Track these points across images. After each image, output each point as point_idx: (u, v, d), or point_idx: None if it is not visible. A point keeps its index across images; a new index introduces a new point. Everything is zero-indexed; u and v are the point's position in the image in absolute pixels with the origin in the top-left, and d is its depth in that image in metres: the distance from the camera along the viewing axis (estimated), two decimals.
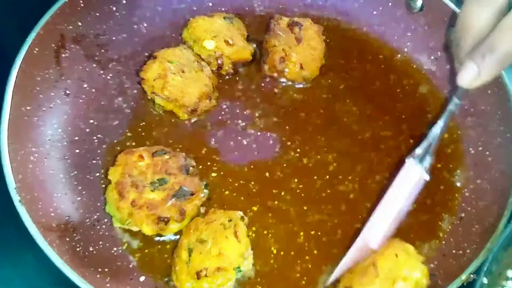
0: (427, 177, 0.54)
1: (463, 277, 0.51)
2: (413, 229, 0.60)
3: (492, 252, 0.52)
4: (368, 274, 0.51)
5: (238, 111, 0.68)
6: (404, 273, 0.51)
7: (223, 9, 0.76)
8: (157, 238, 0.57)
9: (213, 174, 0.62)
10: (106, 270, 0.54)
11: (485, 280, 0.52)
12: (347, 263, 0.54)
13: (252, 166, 0.63)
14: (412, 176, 0.54)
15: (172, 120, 0.66)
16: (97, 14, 0.66)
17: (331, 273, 0.55)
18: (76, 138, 0.62)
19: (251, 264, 0.55)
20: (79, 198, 0.58)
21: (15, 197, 0.51)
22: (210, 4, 0.75)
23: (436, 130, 0.54)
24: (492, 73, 0.46)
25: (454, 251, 0.57)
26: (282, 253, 0.58)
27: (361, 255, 0.54)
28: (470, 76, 0.47)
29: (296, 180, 0.63)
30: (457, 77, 0.49)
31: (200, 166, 0.62)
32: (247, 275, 0.55)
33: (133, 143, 0.63)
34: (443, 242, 0.59)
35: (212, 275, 0.51)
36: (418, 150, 0.55)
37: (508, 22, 0.40)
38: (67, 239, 0.54)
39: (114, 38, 0.69)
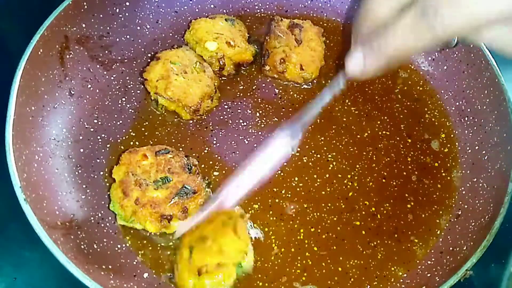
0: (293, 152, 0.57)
1: (460, 273, 0.52)
2: (411, 226, 0.61)
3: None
4: None
5: (239, 111, 0.69)
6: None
7: (224, 11, 0.77)
8: (158, 234, 0.58)
9: (215, 173, 0.63)
10: (110, 267, 0.55)
11: None
12: (200, 218, 0.56)
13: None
14: (281, 149, 0.57)
15: (175, 120, 0.67)
16: (101, 15, 0.67)
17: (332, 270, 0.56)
18: (81, 137, 0.63)
19: (252, 261, 0.56)
20: (83, 197, 0.59)
21: (20, 196, 0.51)
22: (212, 6, 0.76)
23: (311, 106, 0.55)
24: (374, 66, 0.44)
25: (451, 248, 0.58)
26: (282, 250, 0.58)
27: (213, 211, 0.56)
28: (355, 63, 0.45)
29: (296, 179, 0.64)
30: (346, 62, 0.46)
31: (202, 165, 0.63)
32: (248, 271, 0.56)
33: (137, 143, 0.64)
34: (441, 240, 0.60)
35: (213, 271, 0.52)
36: (289, 126, 0.56)
37: (405, 21, 0.39)
38: (72, 237, 0.55)
39: (117, 39, 0.69)
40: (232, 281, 0.54)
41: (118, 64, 0.69)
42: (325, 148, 0.66)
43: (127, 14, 0.70)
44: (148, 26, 0.73)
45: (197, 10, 0.76)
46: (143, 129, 0.65)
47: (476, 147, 0.65)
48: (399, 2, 0.41)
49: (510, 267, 0.52)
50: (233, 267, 0.54)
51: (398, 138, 0.68)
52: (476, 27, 0.36)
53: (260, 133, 0.67)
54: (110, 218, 0.59)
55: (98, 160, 0.62)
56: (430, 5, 0.36)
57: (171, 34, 0.73)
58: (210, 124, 0.67)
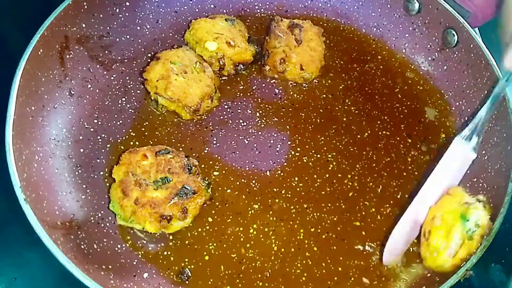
0: (474, 155, 0.55)
1: (460, 273, 0.52)
2: None
3: None
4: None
5: (239, 111, 0.69)
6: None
7: (224, 11, 0.77)
8: (158, 234, 0.58)
9: (215, 173, 0.63)
10: (110, 267, 0.55)
11: None
12: (402, 242, 0.55)
13: (253, 165, 0.64)
14: (458, 154, 0.55)
15: (175, 120, 0.67)
16: (101, 15, 0.67)
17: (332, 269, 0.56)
18: (81, 137, 0.63)
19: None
20: (83, 197, 0.59)
21: (20, 196, 0.51)
22: (212, 6, 0.77)
23: (483, 111, 0.55)
24: None
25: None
26: (282, 250, 0.58)
27: (411, 229, 0.55)
28: None
29: (296, 179, 0.64)
30: (503, 61, 0.50)
31: (202, 165, 0.63)
32: None
33: (137, 143, 0.64)
34: None
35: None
36: (466, 131, 0.56)
37: None
38: (72, 237, 0.55)
39: (117, 39, 0.70)
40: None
41: (118, 64, 0.69)
42: (325, 148, 0.66)
43: (127, 14, 0.70)
44: (148, 26, 0.73)
45: (197, 10, 0.76)
46: (143, 129, 0.65)
47: None
48: None
49: None
50: None
51: (398, 138, 0.68)
52: None
53: (260, 133, 0.67)
54: (110, 218, 0.59)
55: (98, 160, 0.62)
56: None
57: (171, 34, 0.74)
58: (210, 124, 0.67)
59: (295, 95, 0.71)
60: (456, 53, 0.70)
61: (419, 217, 0.55)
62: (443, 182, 0.55)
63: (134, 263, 0.56)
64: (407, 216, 0.55)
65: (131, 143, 0.64)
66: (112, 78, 0.68)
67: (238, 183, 0.63)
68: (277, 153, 0.65)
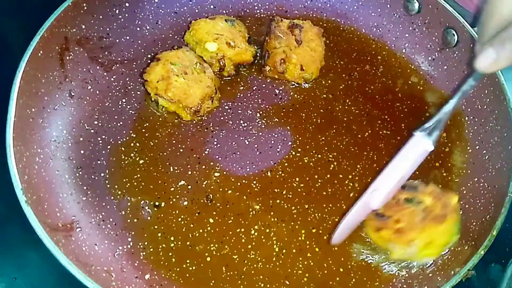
0: (432, 147, 0.56)
1: (462, 273, 0.52)
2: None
3: (510, 269, 0.53)
4: None
5: (240, 111, 0.69)
6: None
7: (224, 11, 0.77)
8: (159, 235, 0.58)
9: (216, 174, 0.63)
10: (112, 269, 0.55)
11: None
12: (350, 223, 0.56)
13: (254, 166, 0.64)
14: (418, 148, 0.56)
15: (175, 121, 0.66)
16: (101, 17, 0.67)
17: (334, 269, 0.56)
18: (81, 139, 0.63)
19: None
20: (84, 198, 0.59)
21: (21, 198, 0.51)
22: (212, 6, 0.76)
23: (448, 107, 0.55)
24: (510, 61, 0.47)
25: (452, 248, 0.58)
26: (284, 251, 0.59)
27: (361, 214, 0.57)
28: (488, 61, 0.48)
29: (297, 179, 0.64)
30: (476, 60, 0.49)
31: (203, 166, 0.63)
32: None
33: (137, 144, 0.64)
34: None
35: None
36: (427, 125, 0.56)
37: None
38: (73, 238, 0.55)
39: (117, 40, 0.69)
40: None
41: (118, 65, 0.69)
42: (326, 148, 0.66)
43: (126, 15, 0.70)
44: (148, 27, 0.72)
45: (197, 10, 0.75)
46: (143, 130, 0.65)
47: (477, 147, 0.66)
48: None
49: (507, 278, 0.52)
50: None
51: (399, 138, 0.68)
52: None
53: (260, 133, 0.67)
54: (111, 219, 0.59)
55: (99, 162, 0.62)
56: None
57: (171, 35, 0.73)
58: (211, 125, 0.67)
59: (296, 95, 0.71)
60: (456, 53, 0.71)
61: (371, 204, 0.56)
62: (400, 172, 0.56)
63: (136, 264, 0.56)
64: (362, 202, 0.56)
65: (132, 144, 0.64)
66: (112, 79, 0.68)
67: (239, 184, 0.63)
68: (277, 154, 0.65)
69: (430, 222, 0.56)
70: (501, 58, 0.47)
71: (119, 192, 0.60)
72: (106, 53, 0.68)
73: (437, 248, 0.57)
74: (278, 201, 0.62)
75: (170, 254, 0.57)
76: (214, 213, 0.60)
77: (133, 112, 0.67)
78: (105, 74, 0.68)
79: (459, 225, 0.57)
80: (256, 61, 0.72)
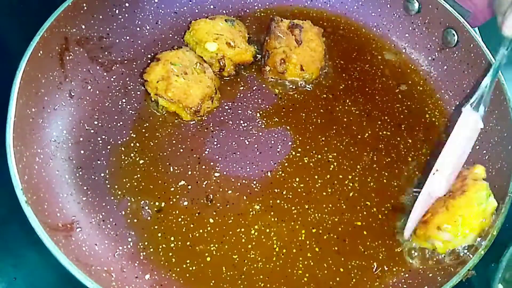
0: (482, 125, 0.56)
1: (462, 273, 0.52)
2: None
3: (505, 259, 0.53)
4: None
5: (240, 111, 0.69)
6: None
7: (224, 11, 0.77)
8: (159, 235, 0.58)
9: (216, 174, 0.63)
10: (112, 269, 0.55)
11: (500, 287, 0.53)
12: (416, 214, 0.56)
13: (254, 166, 0.64)
14: (469, 123, 0.56)
15: (175, 121, 0.66)
16: (101, 17, 0.67)
17: (334, 269, 0.56)
18: (81, 139, 0.63)
19: None
20: (84, 198, 0.59)
21: (22, 198, 0.51)
22: (212, 6, 0.76)
23: (486, 80, 0.56)
24: None
25: (453, 248, 0.58)
26: (284, 251, 0.59)
27: (428, 203, 0.56)
28: None
29: (297, 179, 0.64)
30: (503, 28, 0.52)
31: (203, 166, 0.63)
32: None
33: (137, 144, 0.64)
34: None
35: None
36: (472, 100, 0.57)
37: None
38: (73, 238, 0.55)
39: (117, 40, 0.69)
40: None
41: (118, 65, 0.69)
42: (325, 149, 0.66)
43: (126, 15, 0.70)
44: (148, 27, 0.72)
45: (196, 10, 0.75)
46: (143, 130, 0.65)
47: (477, 147, 0.65)
48: None
49: (501, 269, 0.53)
50: None
51: (398, 138, 0.68)
52: None
53: (260, 133, 0.67)
54: (111, 219, 0.59)
55: (99, 162, 0.62)
56: None
57: (171, 35, 0.73)
58: (211, 125, 0.67)
59: (296, 95, 0.71)
60: (456, 53, 0.71)
61: (435, 189, 0.56)
62: (456, 151, 0.57)
63: (136, 264, 0.56)
64: (426, 190, 0.57)
65: (132, 144, 0.64)
66: (112, 79, 0.68)
67: (239, 184, 0.63)
68: (277, 154, 0.65)
69: (449, 199, 0.55)
70: None
71: (119, 192, 0.60)
72: (106, 53, 0.68)
73: (472, 221, 0.53)
74: (278, 201, 0.62)
75: (170, 254, 0.57)
76: (214, 213, 0.60)
77: (133, 112, 0.67)
78: (105, 74, 0.68)
79: (487, 189, 0.54)
80: (256, 61, 0.72)
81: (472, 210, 0.54)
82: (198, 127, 0.67)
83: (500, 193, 0.57)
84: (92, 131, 0.64)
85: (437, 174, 0.56)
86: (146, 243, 0.58)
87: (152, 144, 0.64)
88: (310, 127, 0.68)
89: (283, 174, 0.64)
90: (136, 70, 0.70)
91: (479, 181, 0.56)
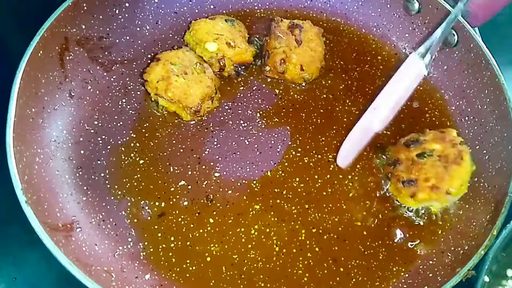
0: (426, 72, 0.60)
1: (462, 273, 0.52)
2: (412, 226, 0.61)
3: (492, 252, 0.53)
4: None
5: (240, 111, 0.69)
6: None
7: (224, 11, 0.77)
8: (159, 235, 0.58)
9: (216, 174, 0.63)
10: (112, 269, 0.55)
11: (486, 279, 0.53)
12: (351, 142, 0.59)
13: (254, 166, 0.64)
14: (413, 68, 0.59)
15: (175, 121, 0.67)
16: (101, 17, 0.67)
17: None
18: (81, 139, 0.63)
19: None
20: (84, 198, 0.59)
21: (22, 198, 0.51)
22: (212, 6, 0.76)
23: (438, 31, 0.59)
24: None
25: (452, 248, 0.58)
26: (284, 250, 0.59)
27: (363, 136, 0.59)
28: None
29: (297, 179, 0.64)
30: None
31: (203, 166, 0.63)
32: None
33: (137, 144, 0.64)
34: (442, 239, 0.60)
35: None
36: (421, 48, 0.60)
37: None
38: (73, 238, 0.55)
39: (117, 40, 0.69)
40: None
41: (118, 65, 0.69)
42: (326, 149, 0.66)
43: (126, 15, 0.70)
44: (148, 27, 0.72)
45: (196, 11, 0.76)
46: (143, 130, 0.65)
47: (477, 147, 0.66)
48: None
49: (488, 262, 0.53)
50: None
51: (398, 138, 0.68)
52: None
53: (260, 133, 0.67)
54: (111, 219, 0.59)
55: (99, 162, 0.62)
56: None
57: (171, 35, 0.73)
58: (211, 125, 0.67)
59: (296, 95, 0.71)
60: (456, 53, 0.70)
61: (374, 126, 0.59)
62: (396, 92, 0.59)
63: (136, 264, 0.57)
64: (361, 123, 0.59)
65: (132, 144, 0.64)
66: (112, 79, 0.68)
67: (239, 184, 0.63)
68: (277, 154, 0.65)
69: (452, 166, 0.58)
70: None
71: (119, 192, 0.60)
72: (106, 53, 0.68)
73: (466, 184, 0.59)
74: (278, 201, 0.62)
75: (170, 254, 0.57)
76: (214, 213, 0.60)
77: (133, 112, 0.67)
78: (105, 74, 0.68)
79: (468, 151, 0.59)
80: (256, 61, 0.72)
81: (469, 172, 0.59)
82: (198, 127, 0.67)
83: (500, 193, 0.57)
84: (92, 131, 0.64)
85: (375, 111, 0.59)
86: (146, 243, 0.58)
87: (152, 144, 0.64)
88: (310, 127, 0.68)
89: (283, 174, 0.64)
90: (136, 70, 0.70)
91: (463, 145, 0.60)
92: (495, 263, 0.55)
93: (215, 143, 0.65)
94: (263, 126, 0.68)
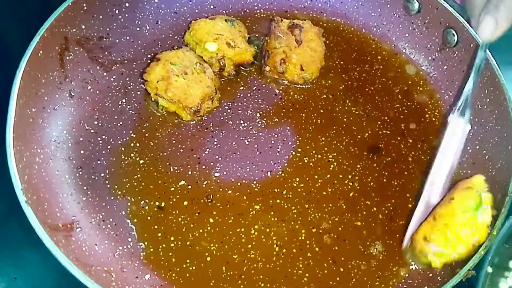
0: (469, 127, 0.59)
1: (463, 273, 0.52)
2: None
3: (494, 244, 0.53)
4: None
5: (240, 111, 0.69)
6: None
7: (224, 11, 0.77)
8: (159, 235, 0.58)
9: (216, 174, 0.63)
10: (112, 269, 0.55)
11: (489, 269, 0.53)
12: (414, 224, 0.57)
13: (254, 166, 0.64)
14: (457, 130, 0.58)
15: (175, 121, 0.66)
16: (101, 17, 0.67)
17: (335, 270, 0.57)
18: (81, 139, 0.63)
19: None
20: (84, 198, 0.59)
21: (22, 198, 0.51)
22: (212, 6, 0.76)
23: (469, 84, 0.58)
24: (509, 20, 0.51)
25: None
26: (284, 250, 0.59)
27: (424, 212, 0.57)
28: (489, 28, 0.53)
29: (297, 179, 0.64)
30: (478, 33, 0.55)
31: (203, 166, 0.63)
32: None
33: (137, 144, 0.64)
34: None
35: None
36: (457, 106, 0.59)
37: None
38: (73, 238, 0.55)
39: (117, 40, 0.69)
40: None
41: (118, 65, 0.69)
42: (325, 149, 0.66)
43: (126, 15, 0.70)
44: (148, 27, 0.72)
45: (196, 10, 0.75)
46: (143, 130, 0.65)
47: (477, 147, 0.66)
48: None
49: (490, 253, 0.53)
50: None
51: (399, 138, 0.68)
52: None
53: (260, 133, 0.67)
54: (111, 219, 0.59)
55: (99, 162, 0.62)
56: None
57: (171, 35, 0.73)
58: (211, 125, 0.67)
59: (296, 95, 0.71)
60: (456, 53, 0.71)
61: (431, 199, 0.58)
62: (448, 161, 0.58)
63: (136, 264, 0.57)
64: (422, 201, 0.58)
65: (132, 144, 0.64)
66: (112, 79, 0.68)
67: (239, 184, 0.63)
68: (277, 154, 0.65)
69: (435, 209, 0.56)
70: (500, 21, 0.51)
71: (119, 192, 0.60)
72: (106, 53, 0.68)
73: (459, 231, 0.51)
74: (278, 201, 0.62)
75: (170, 254, 0.57)
76: (214, 213, 0.60)
77: (133, 112, 0.67)
78: (105, 74, 0.68)
79: (476, 198, 0.52)
80: (256, 61, 0.72)
81: (457, 218, 0.52)
82: (198, 127, 0.67)
83: (500, 193, 0.57)
84: (92, 131, 0.64)
85: (433, 186, 0.58)
86: (146, 243, 0.58)
87: (152, 144, 0.64)
88: (310, 127, 0.68)
89: (283, 174, 0.64)
90: (136, 70, 0.70)
91: (470, 189, 0.54)
92: (498, 256, 0.55)
93: (215, 143, 0.66)
94: (263, 126, 0.68)
